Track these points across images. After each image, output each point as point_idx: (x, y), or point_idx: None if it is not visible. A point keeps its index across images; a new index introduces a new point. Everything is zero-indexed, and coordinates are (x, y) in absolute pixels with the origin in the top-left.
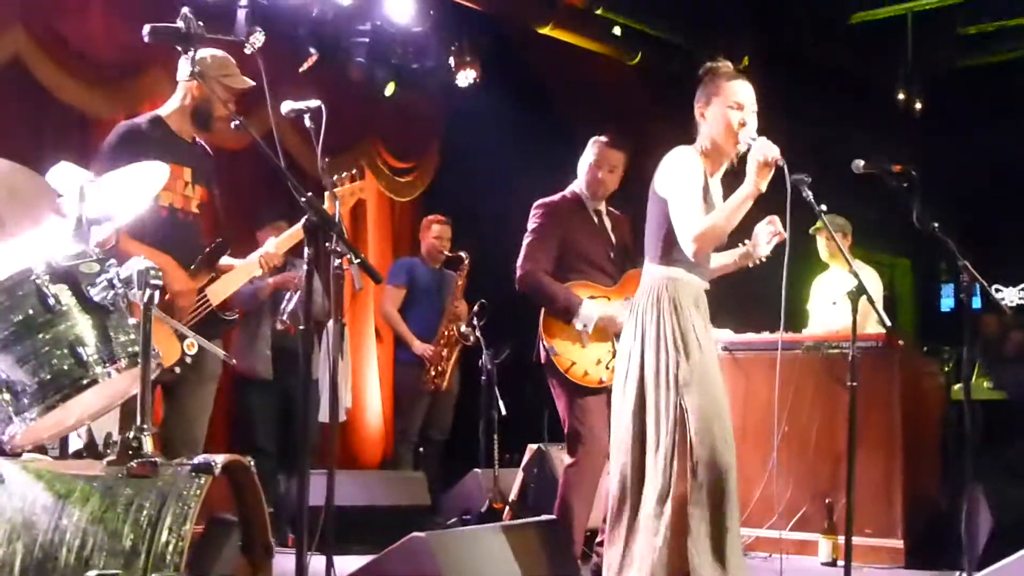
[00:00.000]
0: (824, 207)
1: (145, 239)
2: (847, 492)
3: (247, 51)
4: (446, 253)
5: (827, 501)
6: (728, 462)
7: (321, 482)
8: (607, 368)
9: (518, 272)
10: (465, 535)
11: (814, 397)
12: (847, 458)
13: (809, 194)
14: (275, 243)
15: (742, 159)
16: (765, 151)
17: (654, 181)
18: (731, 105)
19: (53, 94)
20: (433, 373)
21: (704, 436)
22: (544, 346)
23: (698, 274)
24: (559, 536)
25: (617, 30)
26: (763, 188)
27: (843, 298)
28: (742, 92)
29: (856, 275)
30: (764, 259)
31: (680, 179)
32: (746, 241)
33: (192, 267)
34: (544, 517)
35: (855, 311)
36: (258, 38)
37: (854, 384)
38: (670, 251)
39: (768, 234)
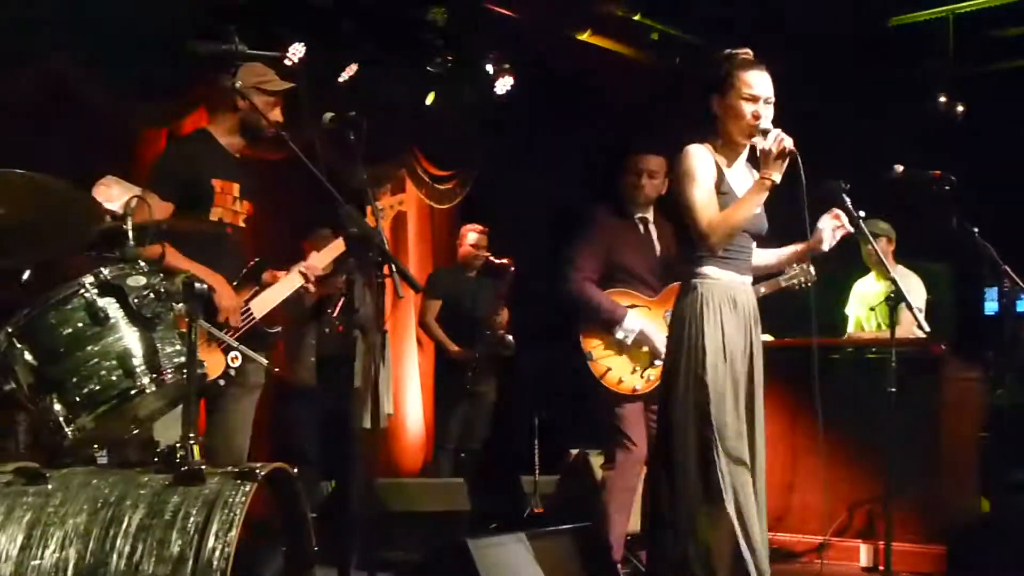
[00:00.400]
0: (863, 213)
1: (194, 253)
2: (886, 497)
3: (287, 64)
4: (491, 259)
5: (868, 506)
6: (743, 470)
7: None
8: (642, 377)
9: (563, 279)
10: (506, 541)
11: (854, 402)
12: (886, 464)
13: (848, 200)
14: (317, 257)
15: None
16: (777, 142)
17: (675, 184)
18: (745, 97)
19: (96, 110)
20: (471, 377)
21: (720, 439)
22: (582, 352)
23: (734, 269)
24: (598, 541)
25: (655, 36)
26: (777, 179)
27: (882, 303)
28: (757, 82)
29: (894, 281)
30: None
31: (688, 176)
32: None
33: (236, 282)
34: (583, 523)
35: (894, 316)
36: (298, 49)
37: (893, 390)
38: (698, 249)
39: (832, 228)
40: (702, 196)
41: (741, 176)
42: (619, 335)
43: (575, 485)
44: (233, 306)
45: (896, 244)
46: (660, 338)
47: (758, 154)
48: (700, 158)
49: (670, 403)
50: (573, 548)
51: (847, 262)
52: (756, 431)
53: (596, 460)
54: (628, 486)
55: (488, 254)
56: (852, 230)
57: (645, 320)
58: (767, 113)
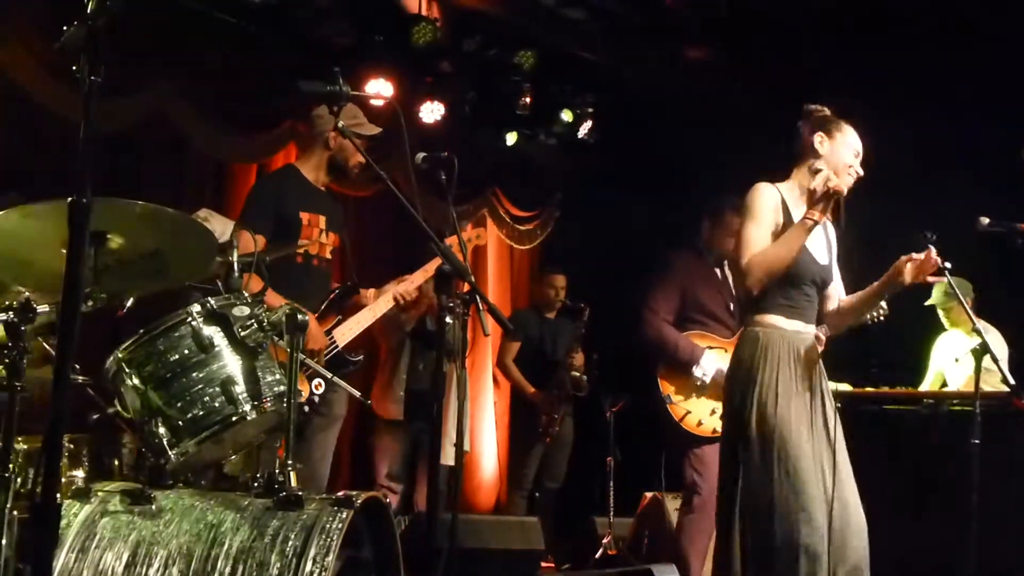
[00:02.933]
0: (949, 265)
1: (280, 284)
2: (972, 554)
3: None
4: (565, 303)
5: (947, 564)
6: (787, 533)
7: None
8: (721, 419)
9: (641, 322)
10: None
11: (933, 455)
12: (970, 519)
13: (934, 251)
14: (410, 280)
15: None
16: (824, 181)
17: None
18: (854, 151)
19: (192, 143)
20: (546, 420)
21: (752, 500)
22: (660, 395)
23: (800, 319)
24: None
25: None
26: (818, 219)
27: (967, 355)
28: (858, 142)
29: (979, 333)
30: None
31: (748, 212)
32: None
33: (318, 313)
34: (659, 564)
35: (979, 368)
36: (385, 89)
37: (977, 441)
38: (762, 296)
39: (915, 264)
40: (754, 234)
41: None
42: (697, 376)
43: (649, 527)
44: (316, 335)
45: (980, 297)
46: None
47: (811, 191)
48: (765, 196)
49: (735, 450)
50: None
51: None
52: (845, 487)
53: (671, 503)
54: (706, 529)
55: (564, 296)
56: (936, 279)
57: (722, 361)
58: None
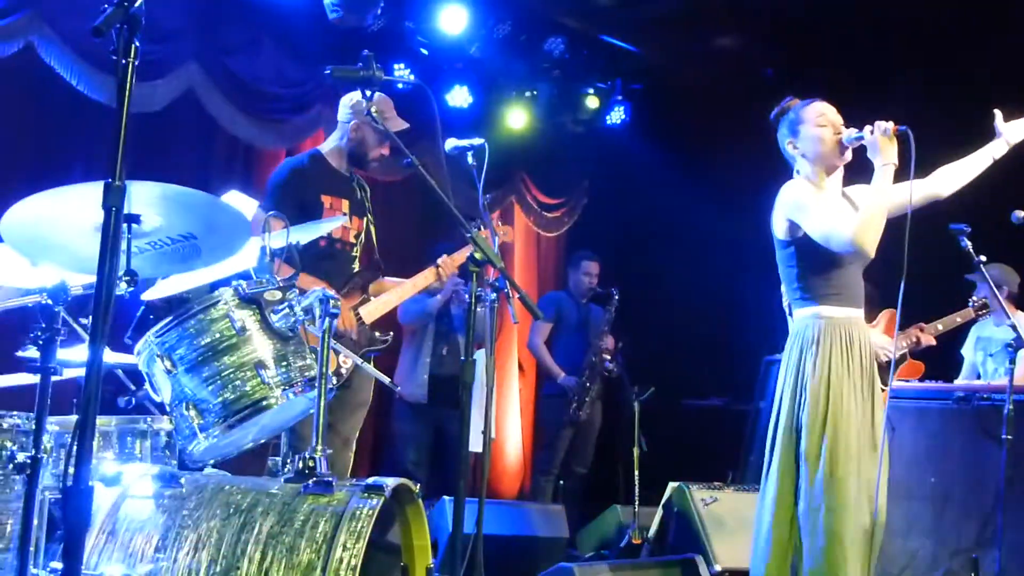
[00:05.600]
0: (984, 258)
1: (304, 266)
2: (999, 548)
3: (401, 87)
4: (595, 289)
5: (973, 556)
6: (847, 522)
7: (469, 511)
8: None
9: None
10: (609, 570)
11: (962, 449)
12: (997, 513)
13: (968, 244)
14: (454, 257)
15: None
16: (881, 128)
17: (773, 227)
18: (819, 123)
19: (221, 126)
20: (576, 405)
21: (821, 484)
22: None
23: (850, 304)
24: (698, 574)
25: (769, 71)
26: (895, 160)
27: (1002, 350)
28: (824, 110)
29: (1015, 327)
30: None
31: (800, 208)
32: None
33: (345, 289)
34: (684, 555)
35: (1014, 362)
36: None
37: (1008, 437)
38: (813, 288)
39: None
40: (826, 211)
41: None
42: None
43: (674, 517)
44: (343, 315)
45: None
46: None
47: (868, 149)
48: (802, 185)
49: (773, 448)
50: None
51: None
52: (880, 475)
53: (698, 493)
54: None
55: (596, 282)
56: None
57: (878, 337)
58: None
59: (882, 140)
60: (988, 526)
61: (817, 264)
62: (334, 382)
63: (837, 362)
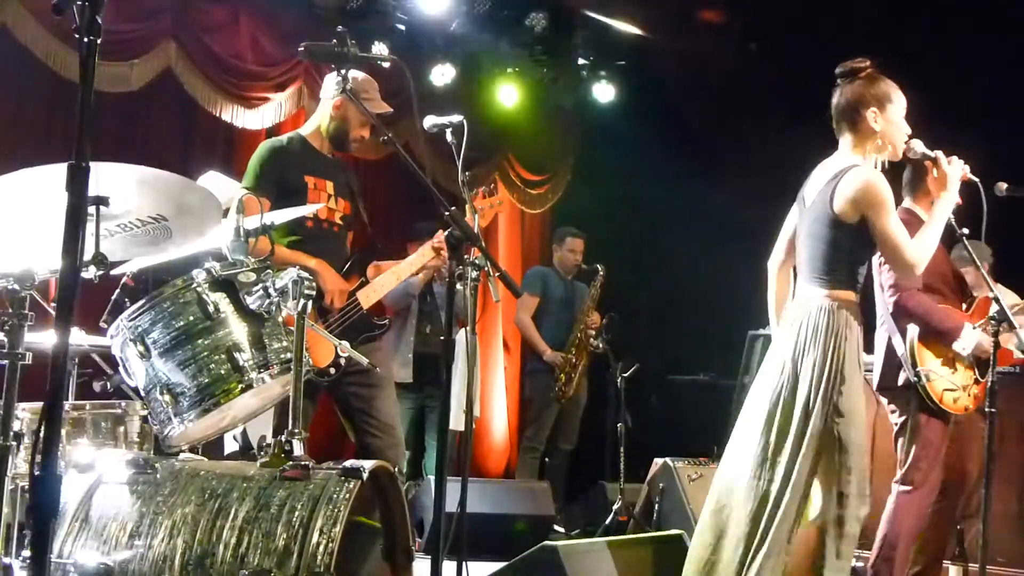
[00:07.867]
0: (966, 231)
1: (294, 248)
2: (983, 520)
3: (385, 65)
4: (580, 266)
5: (958, 527)
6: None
7: (453, 489)
8: (969, 395)
9: (897, 292)
10: (594, 547)
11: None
12: (982, 486)
13: (951, 217)
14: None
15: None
16: (959, 163)
17: (833, 204)
18: (903, 116)
19: (201, 106)
20: (562, 380)
21: (856, 470)
22: (912, 371)
23: (857, 292)
24: (684, 551)
25: (754, 46)
26: (959, 198)
27: (983, 323)
28: (903, 100)
29: (998, 300)
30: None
31: (883, 207)
32: None
33: (343, 270)
34: (671, 531)
35: (996, 337)
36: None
37: (992, 410)
38: (853, 275)
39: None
40: (899, 226)
41: None
42: (958, 347)
43: (659, 493)
44: (338, 289)
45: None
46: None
47: (928, 170)
48: (884, 184)
49: (783, 428)
50: (656, 557)
51: None
52: None
53: (683, 470)
54: (923, 511)
55: (582, 259)
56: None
57: (981, 333)
58: None
59: (958, 175)
60: (971, 497)
61: (863, 256)
62: (332, 372)
63: (862, 350)
